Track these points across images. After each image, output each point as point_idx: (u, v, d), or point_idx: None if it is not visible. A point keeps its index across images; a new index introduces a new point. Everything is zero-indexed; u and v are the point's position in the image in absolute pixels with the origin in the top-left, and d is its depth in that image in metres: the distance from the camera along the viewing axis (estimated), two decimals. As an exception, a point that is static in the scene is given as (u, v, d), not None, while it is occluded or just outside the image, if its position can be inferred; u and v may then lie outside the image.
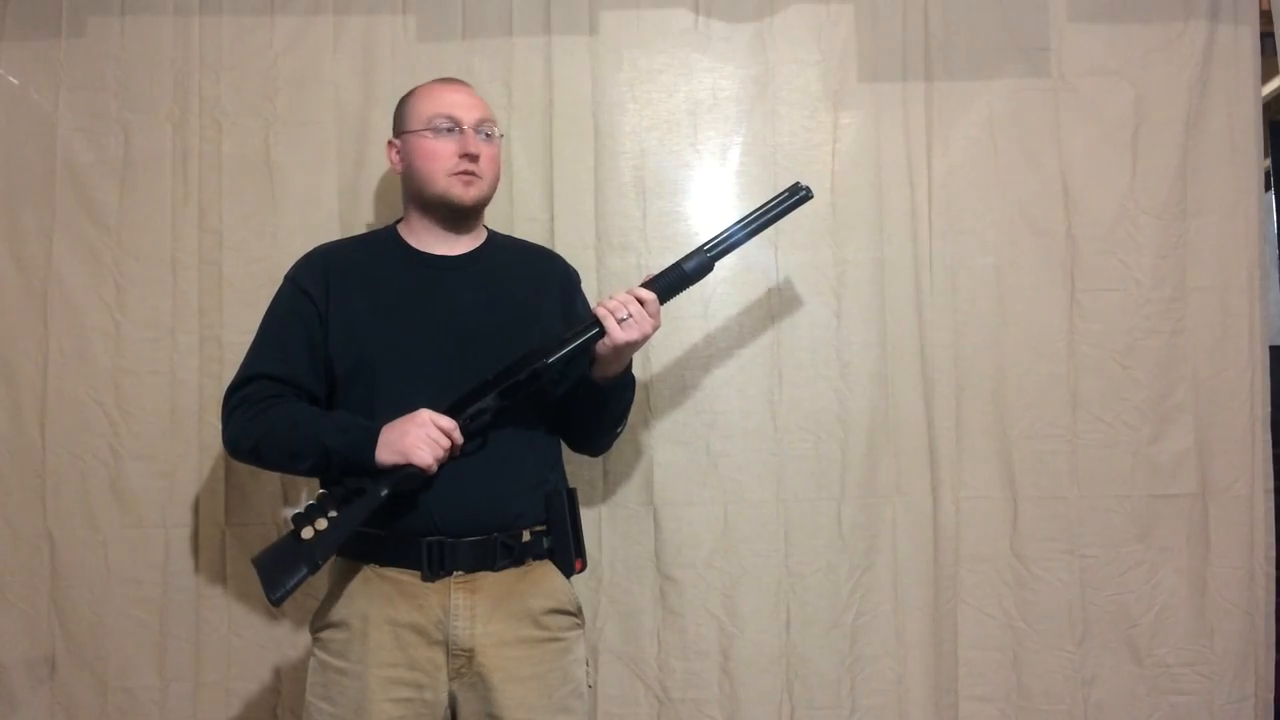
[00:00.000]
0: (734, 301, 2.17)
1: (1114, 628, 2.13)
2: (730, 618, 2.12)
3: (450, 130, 1.76)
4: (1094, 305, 2.16)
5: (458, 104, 1.78)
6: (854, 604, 2.13)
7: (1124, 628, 2.13)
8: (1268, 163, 2.23)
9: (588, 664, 1.79)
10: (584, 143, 2.19)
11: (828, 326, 2.17)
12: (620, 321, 1.67)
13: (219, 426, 2.08)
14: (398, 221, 1.85)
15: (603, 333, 1.67)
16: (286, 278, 1.80)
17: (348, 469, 1.64)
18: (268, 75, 2.19)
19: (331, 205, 2.17)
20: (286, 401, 1.71)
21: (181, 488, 2.14)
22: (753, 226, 1.80)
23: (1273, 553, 2.15)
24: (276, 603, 1.58)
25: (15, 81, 2.20)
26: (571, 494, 1.77)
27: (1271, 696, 2.15)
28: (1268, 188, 2.24)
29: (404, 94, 1.86)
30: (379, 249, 1.81)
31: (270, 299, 2.11)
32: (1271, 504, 2.16)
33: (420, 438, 1.60)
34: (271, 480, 2.14)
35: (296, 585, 1.59)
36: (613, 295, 1.70)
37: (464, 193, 1.75)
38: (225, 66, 2.19)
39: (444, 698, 1.65)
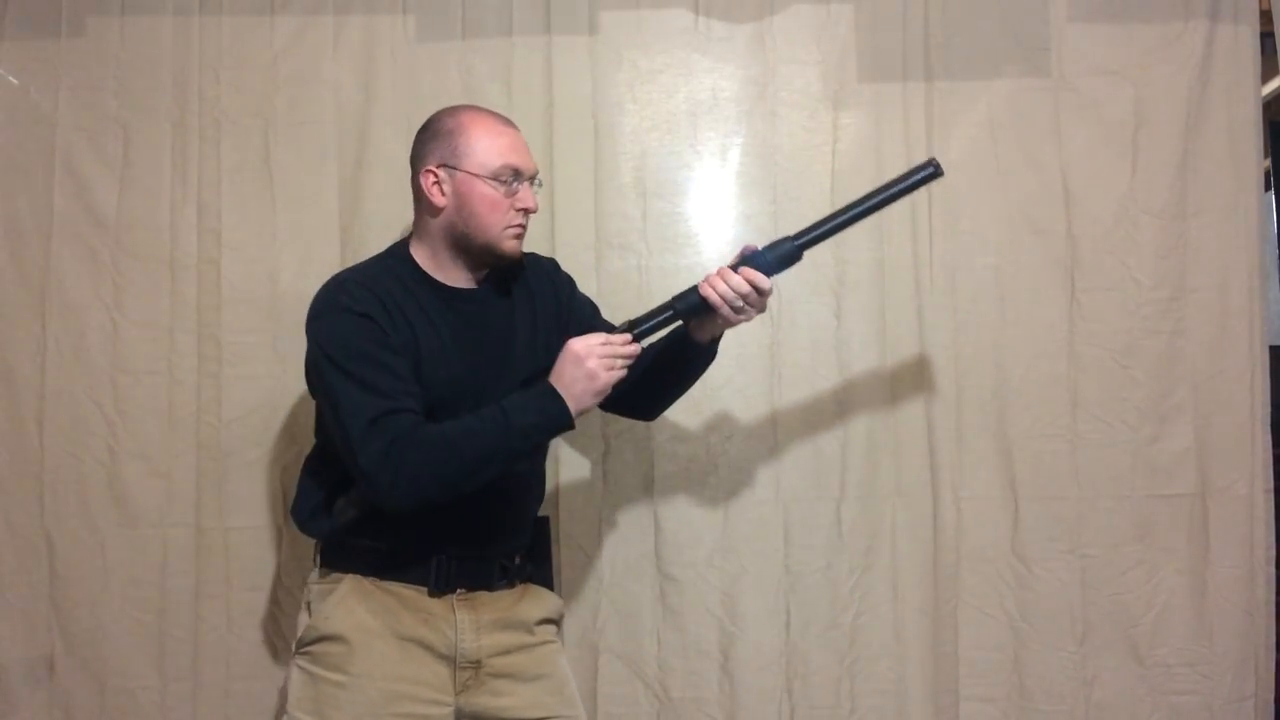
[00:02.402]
0: (734, 301, 2.17)
1: (1114, 628, 2.13)
2: (730, 617, 2.12)
3: (511, 182, 1.67)
4: (1094, 305, 2.15)
5: (520, 152, 1.68)
6: (854, 604, 2.13)
7: (1124, 628, 2.13)
8: (1268, 163, 2.23)
9: None
10: (584, 143, 2.19)
11: (828, 326, 2.17)
12: (735, 310, 1.65)
13: (217, 426, 2.12)
14: (404, 242, 1.74)
15: (684, 313, 1.67)
16: (335, 314, 1.61)
17: (544, 440, 1.67)
18: (267, 75, 2.18)
19: (331, 205, 2.17)
20: (429, 423, 1.57)
21: (179, 488, 2.13)
22: (866, 207, 1.70)
23: (1273, 553, 2.15)
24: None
25: (15, 81, 2.19)
26: (546, 521, 1.85)
27: (1272, 696, 2.15)
28: (1268, 188, 2.24)
29: (443, 117, 1.71)
30: (407, 282, 1.67)
31: (272, 294, 2.14)
32: (1271, 504, 2.16)
33: (593, 373, 1.58)
34: (270, 480, 2.14)
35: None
36: (724, 276, 1.64)
37: (515, 247, 1.70)
38: (225, 66, 2.18)
39: (449, 713, 1.66)
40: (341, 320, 1.60)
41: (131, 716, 2.10)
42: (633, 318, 1.69)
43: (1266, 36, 2.20)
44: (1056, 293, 2.16)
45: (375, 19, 2.20)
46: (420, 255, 1.71)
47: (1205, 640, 2.13)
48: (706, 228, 2.19)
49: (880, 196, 1.69)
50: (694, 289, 1.67)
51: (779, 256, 1.68)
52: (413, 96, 2.18)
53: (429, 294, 1.68)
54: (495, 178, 1.65)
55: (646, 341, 1.69)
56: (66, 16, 2.19)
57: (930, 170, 1.68)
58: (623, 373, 1.62)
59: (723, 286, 1.64)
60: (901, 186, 1.69)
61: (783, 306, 2.16)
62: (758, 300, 1.66)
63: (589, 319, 1.85)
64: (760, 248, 1.69)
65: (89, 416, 2.14)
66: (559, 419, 1.58)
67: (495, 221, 1.66)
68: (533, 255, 1.89)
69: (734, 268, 1.66)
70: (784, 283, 2.15)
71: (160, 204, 2.17)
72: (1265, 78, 2.21)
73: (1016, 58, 2.19)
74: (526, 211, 1.69)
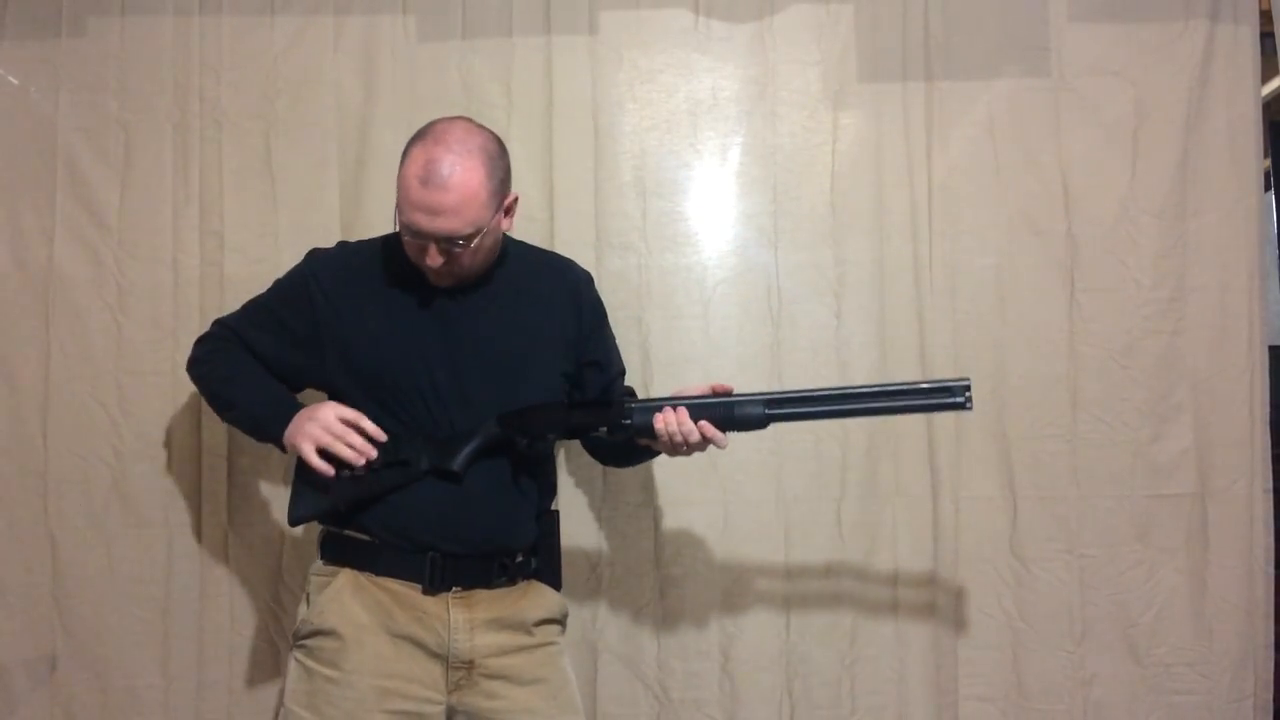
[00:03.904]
0: (734, 301, 2.17)
1: (1114, 627, 2.14)
2: (730, 618, 2.12)
3: (414, 236, 1.62)
4: (1094, 305, 2.15)
5: (425, 213, 1.59)
6: (854, 603, 2.13)
7: (1124, 627, 2.13)
8: (1268, 163, 2.23)
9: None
10: (584, 143, 2.19)
11: (828, 326, 2.17)
12: (675, 445, 1.65)
13: (220, 427, 2.12)
14: None
15: (636, 430, 1.67)
16: (302, 268, 1.78)
17: (256, 432, 1.77)
18: (268, 76, 2.19)
19: (332, 206, 2.17)
20: (246, 357, 1.77)
21: (184, 488, 2.15)
22: (862, 407, 1.68)
23: (1272, 553, 2.15)
24: (293, 523, 1.72)
25: (15, 81, 2.20)
26: (556, 516, 1.81)
27: (1270, 696, 2.15)
28: (1268, 188, 2.24)
29: (414, 137, 1.65)
30: (392, 262, 1.73)
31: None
32: (1271, 504, 2.15)
33: (307, 433, 1.66)
34: (274, 479, 2.15)
35: (309, 516, 1.72)
36: (681, 420, 1.64)
37: (435, 280, 1.68)
38: (225, 67, 2.19)
39: (440, 711, 1.66)
40: (294, 274, 1.79)
41: (134, 715, 2.12)
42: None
43: (1266, 36, 2.19)
44: (1056, 293, 2.16)
45: (375, 19, 2.20)
46: None
47: (1204, 640, 2.13)
48: (706, 227, 2.19)
49: (887, 404, 1.67)
50: (653, 411, 1.66)
51: (744, 418, 1.65)
52: (413, 96, 2.18)
53: (406, 277, 1.71)
54: (401, 227, 1.64)
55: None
56: (66, 16, 2.20)
57: (959, 400, 1.60)
58: (343, 464, 1.66)
59: (674, 426, 1.64)
60: (915, 403, 1.66)
61: (783, 306, 2.16)
62: (700, 447, 1.66)
63: (601, 357, 1.86)
64: (734, 394, 1.67)
65: (93, 417, 2.15)
66: (269, 426, 1.73)
67: (413, 256, 1.67)
68: (565, 261, 1.90)
69: (698, 402, 1.66)
70: (785, 283, 2.17)
71: (162, 205, 2.17)
72: (1265, 78, 2.20)
73: (1016, 58, 2.19)
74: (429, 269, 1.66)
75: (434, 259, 1.62)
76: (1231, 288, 2.15)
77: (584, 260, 2.08)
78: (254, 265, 2.15)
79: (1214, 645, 2.13)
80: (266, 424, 1.73)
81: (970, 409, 1.61)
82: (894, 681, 2.13)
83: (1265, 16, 2.20)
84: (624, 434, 1.68)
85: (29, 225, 2.17)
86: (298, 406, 1.72)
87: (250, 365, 1.77)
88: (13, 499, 2.14)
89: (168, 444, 2.15)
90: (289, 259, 2.12)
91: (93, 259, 2.16)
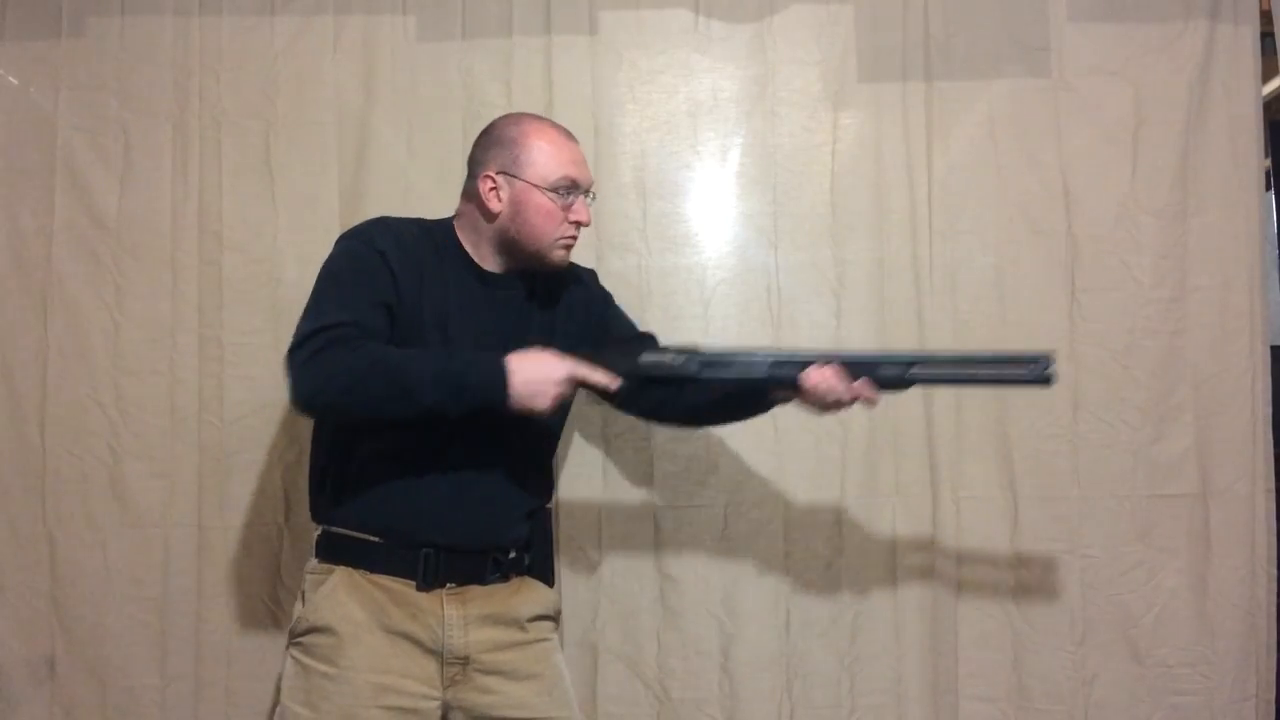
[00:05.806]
0: (734, 301, 2.17)
1: (1114, 628, 2.13)
2: (730, 617, 2.12)
3: (567, 194, 1.70)
4: (1094, 305, 2.15)
5: (580, 164, 1.72)
6: (853, 603, 2.13)
7: (1124, 628, 2.13)
8: (1268, 163, 2.23)
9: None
10: (584, 143, 2.13)
11: (828, 326, 2.17)
12: (826, 403, 1.66)
13: (219, 426, 2.13)
14: (448, 220, 1.78)
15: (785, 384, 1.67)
16: (355, 238, 1.68)
17: (471, 406, 1.55)
18: (268, 76, 2.19)
19: (331, 206, 2.17)
20: (380, 344, 1.58)
21: (181, 487, 2.14)
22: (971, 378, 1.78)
23: (1274, 553, 2.14)
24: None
25: (15, 81, 2.20)
26: (549, 514, 1.82)
27: (1273, 697, 2.14)
28: (1268, 188, 2.24)
29: (506, 124, 1.73)
30: (441, 250, 1.72)
31: (274, 294, 2.14)
32: (1273, 504, 2.15)
33: (544, 391, 1.57)
34: (272, 479, 2.15)
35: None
36: (837, 373, 1.64)
37: (562, 257, 1.74)
38: (225, 67, 2.19)
39: (436, 707, 1.66)
40: (355, 246, 1.67)
41: (133, 715, 2.11)
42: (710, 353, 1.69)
43: (1266, 36, 2.20)
44: (1056, 293, 2.16)
45: (375, 19, 2.20)
46: (462, 234, 1.75)
47: (1206, 640, 2.12)
48: (706, 228, 2.19)
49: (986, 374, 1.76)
50: (798, 366, 1.66)
51: (890, 379, 1.67)
52: (413, 96, 2.19)
53: (457, 266, 1.72)
54: (553, 189, 1.68)
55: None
56: (66, 16, 2.20)
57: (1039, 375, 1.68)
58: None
59: (824, 386, 1.65)
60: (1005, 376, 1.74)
61: (783, 306, 2.16)
62: (838, 408, 1.68)
63: (623, 331, 1.88)
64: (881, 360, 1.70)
65: (91, 417, 2.15)
66: (494, 395, 1.55)
67: (548, 231, 1.70)
68: (573, 265, 1.90)
69: (851, 367, 1.67)
70: (785, 283, 2.17)
71: (161, 204, 2.17)
72: (1265, 78, 2.20)
73: (1016, 58, 2.19)
74: (579, 224, 1.72)
75: (588, 213, 1.73)
76: (1232, 287, 2.15)
77: (584, 260, 2.08)
78: (253, 265, 2.16)
79: (1216, 646, 2.12)
80: (490, 389, 1.54)
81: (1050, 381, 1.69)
82: (893, 681, 2.12)
83: (1265, 16, 2.20)
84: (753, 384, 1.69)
85: (28, 225, 2.17)
86: (501, 362, 1.56)
87: (396, 349, 1.59)
88: (11, 499, 2.14)
89: (165, 444, 2.14)
90: (288, 259, 2.15)
91: (92, 259, 2.16)
